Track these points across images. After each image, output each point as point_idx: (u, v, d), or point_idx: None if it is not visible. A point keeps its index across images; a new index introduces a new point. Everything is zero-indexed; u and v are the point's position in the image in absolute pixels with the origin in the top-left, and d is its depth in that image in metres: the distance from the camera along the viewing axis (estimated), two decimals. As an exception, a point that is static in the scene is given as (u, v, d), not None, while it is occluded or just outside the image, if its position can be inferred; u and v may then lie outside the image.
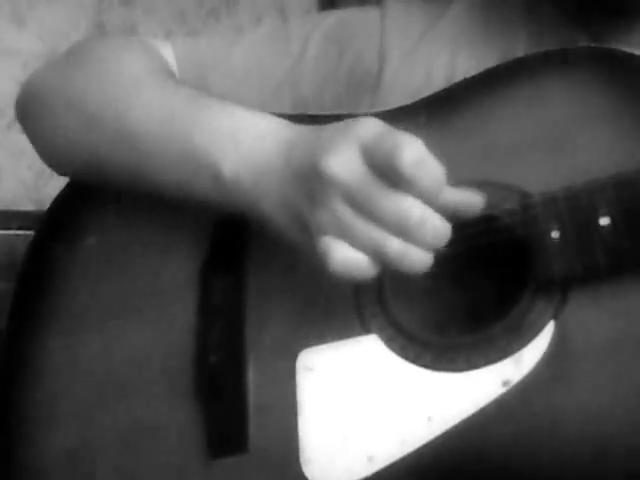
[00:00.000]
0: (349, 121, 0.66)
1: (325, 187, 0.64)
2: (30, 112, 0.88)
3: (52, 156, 0.87)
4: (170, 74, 0.85)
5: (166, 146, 0.75)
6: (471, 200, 0.67)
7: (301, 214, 0.67)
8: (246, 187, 0.70)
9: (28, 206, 2.07)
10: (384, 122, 0.66)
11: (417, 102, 0.78)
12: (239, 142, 0.71)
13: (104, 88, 0.81)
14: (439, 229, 0.64)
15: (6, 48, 2.11)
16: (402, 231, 0.63)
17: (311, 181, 0.65)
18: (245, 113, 0.74)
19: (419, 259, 0.64)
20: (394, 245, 0.63)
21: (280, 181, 0.68)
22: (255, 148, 0.70)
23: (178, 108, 0.77)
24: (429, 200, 0.63)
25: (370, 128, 0.65)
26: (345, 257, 0.64)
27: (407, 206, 0.63)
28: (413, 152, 0.62)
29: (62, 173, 0.89)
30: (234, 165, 0.71)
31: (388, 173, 0.63)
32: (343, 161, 0.64)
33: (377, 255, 0.64)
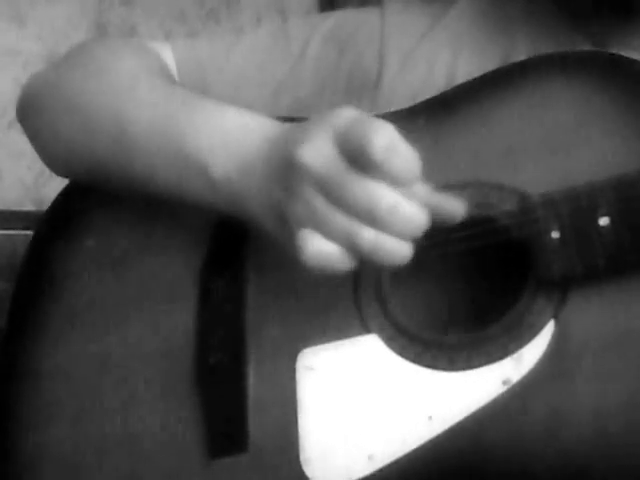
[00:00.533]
0: (326, 113, 0.65)
1: (298, 177, 0.64)
2: (30, 114, 0.88)
3: (52, 158, 0.87)
4: (167, 76, 0.85)
5: (159, 148, 0.75)
6: (453, 205, 0.65)
7: (281, 209, 0.66)
8: (235, 187, 0.70)
9: (28, 206, 2.07)
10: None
11: (417, 104, 0.78)
12: (228, 143, 0.71)
13: (102, 90, 0.81)
14: (413, 216, 0.62)
15: (6, 48, 2.11)
16: (374, 219, 0.62)
17: (287, 173, 0.65)
18: (236, 114, 0.74)
19: (395, 249, 0.62)
20: (366, 235, 0.62)
21: (263, 178, 0.68)
22: (243, 148, 0.70)
23: (171, 110, 0.77)
24: (402, 187, 0.62)
25: (343, 116, 0.64)
26: (318, 249, 0.63)
27: (377, 193, 0.61)
28: (384, 137, 0.60)
29: (61, 174, 0.89)
30: (224, 166, 0.71)
31: (360, 160, 0.61)
32: (315, 150, 0.63)
33: (351, 246, 0.62)
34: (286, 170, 0.65)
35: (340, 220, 0.62)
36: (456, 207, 0.65)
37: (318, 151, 0.63)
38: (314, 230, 0.63)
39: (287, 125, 0.70)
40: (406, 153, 0.61)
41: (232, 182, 0.70)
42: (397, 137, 0.61)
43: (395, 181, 0.61)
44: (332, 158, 0.63)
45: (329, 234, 0.63)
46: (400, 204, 0.62)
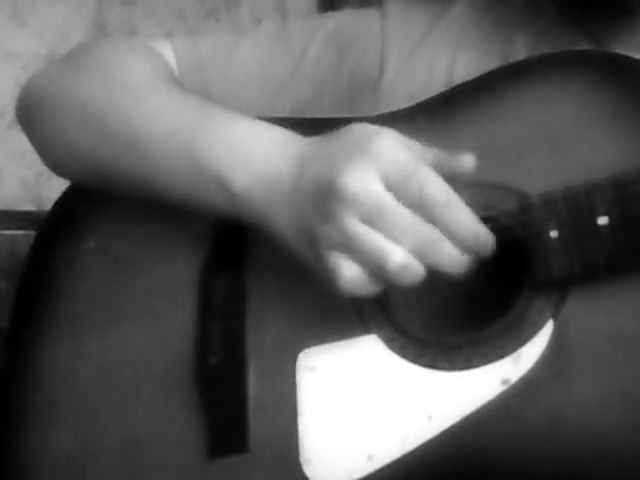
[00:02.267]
0: (366, 137, 0.66)
1: (339, 204, 0.64)
2: (31, 116, 0.88)
3: (54, 160, 0.87)
4: (175, 80, 0.85)
5: (174, 158, 0.75)
6: (487, 236, 0.67)
7: (311, 229, 0.67)
8: (256, 201, 0.70)
9: (28, 206, 2.07)
10: (398, 133, 0.66)
11: (417, 104, 0.78)
12: (248, 156, 0.71)
13: (109, 95, 0.81)
14: (453, 255, 0.65)
15: (6, 48, 2.11)
16: (420, 245, 0.64)
17: (325, 197, 0.65)
18: (252, 125, 0.74)
19: (417, 273, 0.65)
20: (399, 256, 0.64)
21: (291, 195, 0.68)
22: (266, 163, 0.70)
23: (186, 119, 0.76)
24: (451, 236, 0.64)
25: (387, 149, 0.65)
26: (353, 275, 0.65)
27: (427, 225, 0.64)
28: (443, 193, 0.64)
29: (63, 176, 0.89)
30: (244, 179, 0.71)
31: (413, 203, 0.64)
32: (360, 180, 0.64)
33: (380, 265, 0.64)
34: (323, 195, 0.65)
35: (373, 243, 0.64)
36: (489, 240, 0.67)
37: (364, 183, 0.64)
38: (346, 255, 0.65)
39: (314, 143, 0.70)
40: (462, 207, 0.65)
41: (253, 196, 0.70)
42: (452, 192, 0.64)
43: (448, 232, 0.64)
44: (380, 191, 0.64)
45: (358, 257, 0.64)
46: (445, 241, 0.65)
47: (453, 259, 0.65)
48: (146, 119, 0.77)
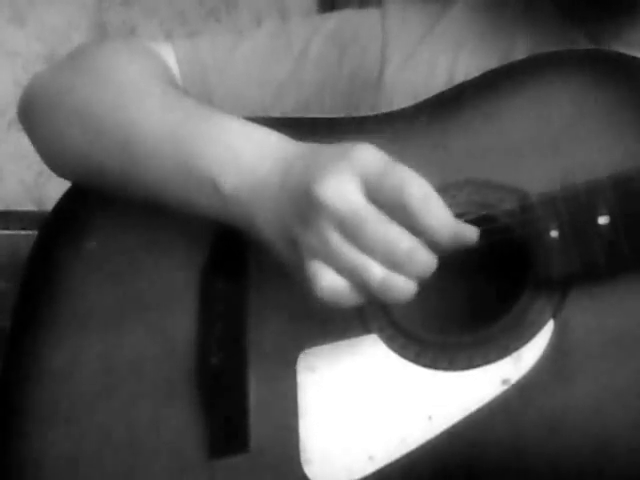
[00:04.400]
0: (346, 146, 0.67)
1: (317, 212, 0.65)
2: (32, 117, 0.88)
3: (54, 161, 0.87)
4: (172, 82, 0.85)
5: (166, 159, 0.75)
6: (469, 231, 0.67)
7: (293, 234, 0.67)
8: (244, 205, 0.71)
9: (28, 206, 2.07)
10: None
11: (417, 104, 0.78)
12: (239, 158, 0.72)
13: (107, 96, 0.81)
14: (427, 260, 0.65)
15: (6, 48, 2.11)
16: (390, 260, 0.64)
17: (304, 204, 0.66)
18: (246, 127, 0.74)
19: (403, 288, 0.65)
20: (378, 273, 0.64)
21: (275, 199, 0.69)
22: (254, 164, 0.71)
23: (179, 121, 0.76)
24: (435, 235, 0.64)
25: (367, 158, 0.65)
26: (329, 283, 0.65)
27: (397, 236, 0.64)
28: (420, 189, 0.63)
29: (63, 177, 0.89)
30: (234, 181, 0.71)
31: (393, 209, 0.64)
32: (338, 189, 0.64)
33: (360, 283, 0.65)
34: (303, 200, 0.66)
35: (354, 257, 0.64)
36: (471, 234, 0.67)
37: (341, 191, 0.64)
38: (325, 263, 0.65)
39: (301, 146, 0.71)
40: (440, 204, 0.64)
41: (242, 198, 0.71)
42: (430, 188, 0.64)
43: (427, 230, 0.64)
44: (355, 200, 0.64)
45: (340, 270, 0.65)
46: (417, 249, 0.64)
47: (428, 266, 0.65)
48: (140, 120, 0.78)
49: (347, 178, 0.64)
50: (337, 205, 0.64)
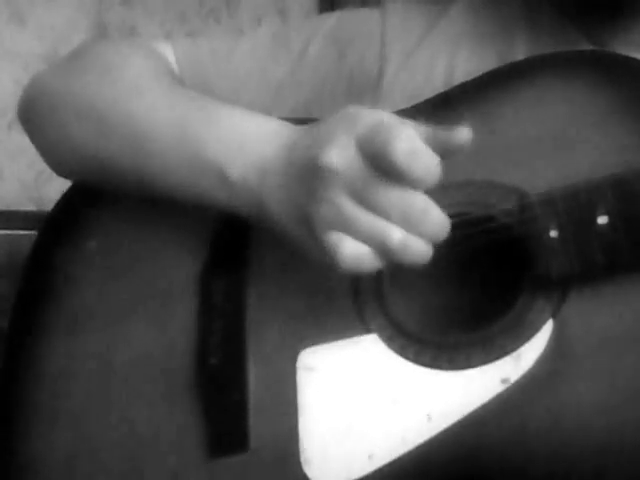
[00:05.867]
0: (347, 112, 0.66)
1: (325, 180, 0.64)
2: (33, 116, 0.88)
3: (56, 159, 0.87)
4: (175, 77, 0.85)
5: (173, 150, 0.75)
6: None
7: (304, 211, 0.66)
8: (253, 189, 0.70)
9: (28, 206, 2.07)
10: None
11: (417, 104, 0.78)
12: (244, 145, 0.72)
13: (110, 92, 0.81)
14: (441, 220, 0.63)
15: (6, 48, 2.11)
16: (405, 221, 0.63)
17: (312, 176, 0.65)
18: (249, 116, 0.74)
19: (421, 250, 0.63)
20: (397, 235, 0.63)
21: (284, 181, 0.68)
22: (260, 150, 0.71)
23: (184, 112, 0.77)
24: (423, 189, 0.62)
25: (366, 117, 0.64)
26: (352, 251, 0.63)
27: (410, 196, 0.62)
28: (405, 142, 0.61)
29: (65, 176, 0.89)
30: (240, 168, 0.71)
31: (382, 164, 0.62)
32: (340, 153, 0.63)
33: (381, 247, 0.63)
34: (310, 173, 0.65)
35: (371, 221, 0.63)
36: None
37: (344, 154, 0.63)
38: (344, 232, 0.64)
39: (304, 128, 0.70)
40: (427, 157, 0.62)
41: (250, 186, 0.70)
42: (418, 142, 0.62)
43: (416, 184, 0.62)
44: (358, 162, 0.63)
45: (359, 236, 0.63)
46: (431, 207, 0.63)
47: (442, 225, 0.64)
48: (144, 113, 0.78)
49: (346, 141, 0.64)
50: (343, 170, 0.63)
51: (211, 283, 0.79)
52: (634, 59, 0.72)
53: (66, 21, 2.15)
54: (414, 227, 0.63)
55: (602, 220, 0.66)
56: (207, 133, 0.74)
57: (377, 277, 0.67)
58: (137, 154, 0.78)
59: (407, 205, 0.62)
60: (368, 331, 0.72)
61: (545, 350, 0.67)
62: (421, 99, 0.79)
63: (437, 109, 0.77)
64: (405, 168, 0.61)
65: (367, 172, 0.63)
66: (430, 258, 0.64)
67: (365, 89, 0.85)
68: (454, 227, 0.66)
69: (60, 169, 0.88)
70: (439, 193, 0.67)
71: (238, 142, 0.72)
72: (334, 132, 0.65)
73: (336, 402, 0.72)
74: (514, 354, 0.68)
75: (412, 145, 0.61)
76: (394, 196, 0.62)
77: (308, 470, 0.71)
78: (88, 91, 0.82)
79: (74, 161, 0.84)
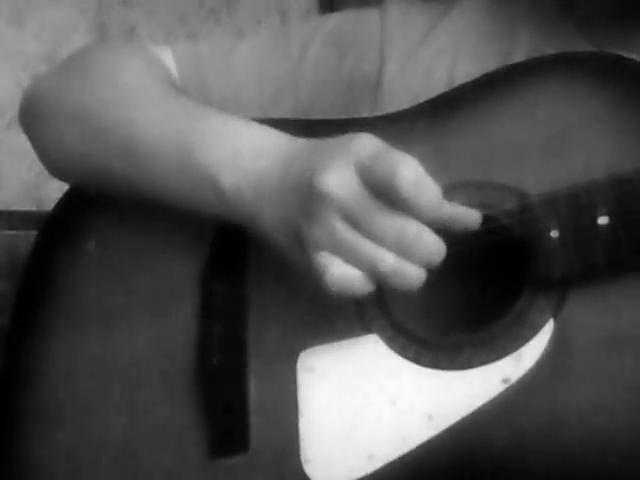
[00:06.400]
0: (346, 137, 0.66)
1: (320, 203, 0.64)
2: (33, 119, 0.88)
3: (53, 164, 0.87)
4: (172, 83, 0.85)
5: (166, 158, 0.76)
6: (468, 215, 0.66)
7: (297, 229, 0.67)
8: (246, 201, 0.71)
9: (28, 206, 2.07)
10: (379, 138, 0.66)
11: (417, 105, 0.78)
12: (239, 157, 0.72)
13: (106, 97, 0.81)
14: (434, 246, 0.64)
15: (6, 49, 2.10)
16: (398, 247, 0.64)
17: (307, 197, 0.66)
18: (245, 126, 0.74)
19: (413, 276, 0.64)
20: (389, 261, 0.63)
21: (278, 196, 0.69)
22: (255, 163, 0.71)
23: (178, 121, 0.77)
24: (426, 219, 0.63)
25: (366, 145, 0.65)
26: (341, 274, 0.64)
27: (403, 223, 0.63)
28: (411, 172, 0.62)
29: (63, 179, 0.89)
30: (234, 179, 0.71)
31: (385, 192, 0.63)
32: (338, 178, 0.64)
33: (372, 271, 0.64)
34: (306, 194, 0.66)
35: (362, 246, 0.64)
36: (473, 216, 0.66)
37: (342, 180, 0.64)
38: (334, 254, 0.64)
39: (301, 143, 0.70)
40: (431, 187, 0.63)
41: (243, 196, 0.71)
42: (422, 171, 0.63)
43: (419, 214, 0.63)
44: (356, 188, 0.64)
45: (351, 259, 0.64)
46: (425, 233, 0.64)
47: (438, 251, 0.64)
48: (139, 121, 0.78)
49: (345, 167, 0.64)
50: (340, 194, 0.64)
51: (211, 283, 0.79)
52: (634, 60, 0.72)
53: (66, 21, 2.15)
54: (407, 253, 0.64)
55: (603, 220, 0.66)
56: (201, 142, 0.74)
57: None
58: (130, 160, 0.78)
59: (400, 231, 0.63)
60: (369, 331, 0.72)
61: (546, 350, 0.67)
62: (421, 100, 0.79)
63: (438, 110, 0.77)
64: (410, 197, 0.62)
65: (364, 198, 0.64)
66: (423, 283, 0.65)
67: (365, 90, 0.85)
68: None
69: (57, 173, 0.88)
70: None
71: (232, 152, 0.72)
72: (333, 155, 0.65)
73: (336, 402, 0.72)
74: (515, 354, 0.68)
75: (417, 175, 0.62)
76: (388, 222, 0.63)
77: (308, 470, 0.71)
78: (83, 97, 0.82)
79: (69, 166, 0.84)
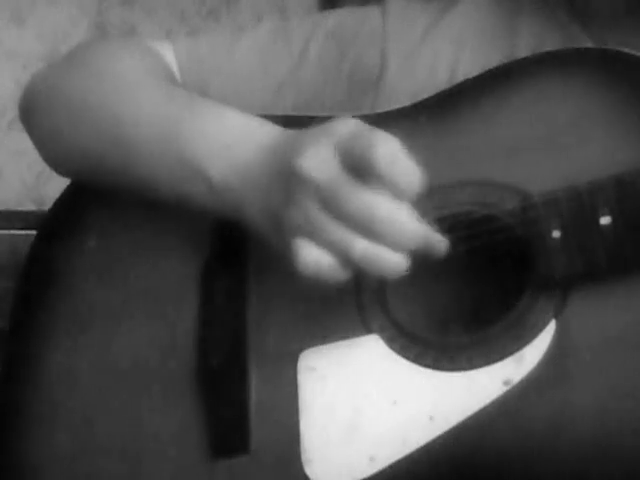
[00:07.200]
0: (329, 121, 0.66)
1: (298, 186, 0.64)
2: (31, 115, 0.88)
3: (53, 158, 0.87)
4: (168, 77, 0.85)
5: (159, 150, 0.76)
6: (437, 241, 0.65)
7: (277, 215, 0.67)
8: (235, 192, 0.71)
9: (29, 206, 2.07)
10: (367, 123, 0.65)
11: (419, 102, 0.78)
12: (227, 147, 0.72)
13: (102, 93, 0.81)
14: (408, 227, 0.63)
15: (6, 48, 2.11)
16: (369, 229, 0.62)
17: (287, 181, 0.65)
18: (235, 117, 0.75)
19: (390, 261, 0.63)
20: (359, 245, 0.62)
21: (261, 183, 0.69)
22: (242, 153, 0.71)
23: (171, 113, 0.77)
24: (402, 199, 0.62)
25: (347, 126, 0.64)
26: (313, 258, 0.64)
27: (374, 203, 0.62)
28: (387, 150, 0.61)
29: (63, 174, 0.89)
30: (222, 169, 0.71)
31: (362, 170, 0.62)
32: (316, 160, 0.64)
33: (344, 257, 0.63)
34: (286, 178, 0.66)
35: (334, 230, 0.63)
36: (441, 244, 0.65)
37: (319, 160, 0.64)
38: (309, 239, 0.64)
39: (288, 132, 0.70)
40: (408, 165, 0.62)
41: (231, 187, 0.71)
42: (400, 149, 0.62)
43: (396, 193, 0.62)
44: (333, 168, 0.63)
45: (323, 244, 0.64)
46: (396, 214, 0.62)
47: (413, 233, 0.63)
48: (132, 113, 0.78)
49: (323, 149, 0.64)
50: (316, 177, 0.63)
51: (212, 283, 0.79)
52: (637, 57, 0.72)
53: (66, 21, 2.15)
54: (378, 237, 0.62)
55: (605, 220, 0.66)
56: (191, 132, 0.74)
57: (379, 277, 0.67)
58: (124, 154, 0.78)
59: (371, 212, 0.62)
60: (369, 332, 0.72)
61: (547, 351, 0.67)
62: (423, 97, 0.79)
63: (439, 107, 0.77)
64: (386, 172, 0.61)
65: (341, 179, 0.63)
66: (405, 270, 0.63)
67: (366, 87, 0.85)
68: (456, 227, 0.66)
69: (58, 167, 0.88)
70: (440, 193, 0.67)
71: (221, 145, 0.72)
72: (314, 138, 0.65)
73: (337, 403, 0.72)
74: (516, 355, 0.68)
75: (393, 151, 0.61)
76: (361, 205, 0.62)
77: (309, 471, 0.71)
78: (80, 88, 0.83)
79: (67, 160, 0.85)
